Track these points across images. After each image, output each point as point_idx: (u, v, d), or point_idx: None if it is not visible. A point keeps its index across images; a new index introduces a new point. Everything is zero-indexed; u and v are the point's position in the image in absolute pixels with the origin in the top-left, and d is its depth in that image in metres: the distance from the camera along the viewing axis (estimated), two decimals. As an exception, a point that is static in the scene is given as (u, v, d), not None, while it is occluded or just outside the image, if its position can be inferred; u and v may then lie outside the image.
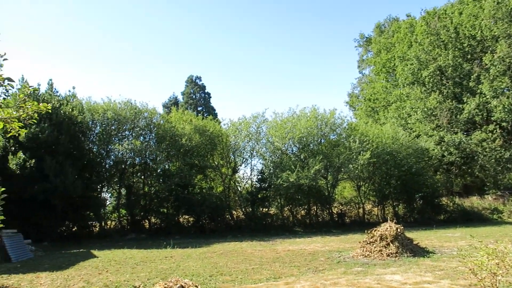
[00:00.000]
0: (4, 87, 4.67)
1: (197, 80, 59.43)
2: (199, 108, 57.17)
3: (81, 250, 17.14)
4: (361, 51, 57.80)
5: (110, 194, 27.17)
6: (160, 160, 25.43)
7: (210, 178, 27.69)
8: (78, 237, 22.12)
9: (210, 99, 59.89)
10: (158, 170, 26.42)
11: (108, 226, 24.97)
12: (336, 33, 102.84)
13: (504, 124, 29.42)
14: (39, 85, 21.98)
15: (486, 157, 28.93)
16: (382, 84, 42.53)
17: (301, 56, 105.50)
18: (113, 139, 24.23)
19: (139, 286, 8.91)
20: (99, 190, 24.70)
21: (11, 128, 4.87)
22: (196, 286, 5.63)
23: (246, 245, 17.30)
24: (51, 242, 19.47)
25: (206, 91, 59.54)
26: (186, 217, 26.10)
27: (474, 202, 32.45)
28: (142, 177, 26.46)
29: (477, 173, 31.53)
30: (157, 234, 23.54)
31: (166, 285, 5.33)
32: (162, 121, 26.02)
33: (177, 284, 5.37)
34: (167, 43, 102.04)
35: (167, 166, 26.79)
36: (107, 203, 26.42)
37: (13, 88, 4.81)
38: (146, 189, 25.83)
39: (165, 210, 25.45)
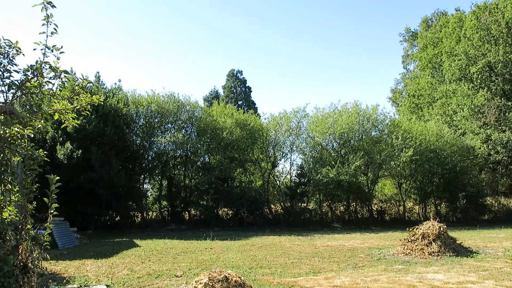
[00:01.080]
0: (60, 80, 4.90)
1: (238, 74, 60.00)
2: (240, 102, 57.76)
3: (124, 239, 17.81)
4: (406, 46, 56.35)
5: (151, 186, 28.01)
6: (201, 153, 25.99)
7: (250, 172, 28.04)
8: (121, 227, 22.81)
9: (251, 93, 60.33)
10: (199, 163, 27.04)
11: (149, 217, 25.76)
12: (381, 28, 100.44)
13: (558, 123, 28.02)
14: (87, 77, 22.91)
15: (536, 157, 27.72)
16: (427, 80, 41.35)
17: (345, 50, 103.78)
18: (156, 131, 24.94)
19: (181, 276, 9.23)
20: (141, 181, 25.52)
21: (65, 119, 5.10)
22: (239, 277, 5.86)
23: (285, 239, 17.49)
24: (95, 230, 20.34)
25: (247, 85, 60.02)
26: (225, 209, 26.56)
27: (521, 203, 31.23)
28: (183, 169, 27.16)
29: (525, 173, 30.26)
30: (197, 225, 24.08)
31: (210, 275, 5.58)
32: (203, 115, 26.53)
33: (221, 274, 5.62)
34: (209, 36, 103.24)
35: (207, 159, 27.37)
36: (149, 194, 27.24)
37: (69, 80, 5.13)
38: (187, 181, 26.50)
39: (205, 203, 25.98)
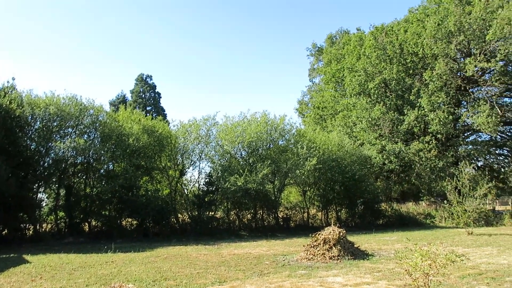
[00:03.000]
0: None
1: (147, 79, 58.24)
2: (148, 108, 56.08)
3: (11, 255, 16.02)
4: (313, 60, 59.32)
5: (47, 195, 25.63)
6: (104, 160, 24.52)
7: (157, 180, 27.10)
8: (9, 241, 20.47)
9: (160, 99, 58.91)
10: (102, 171, 25.48)
11: (43, 229, 23.43)
12: (292, 42, 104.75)
13: (439, 135, 31.40)
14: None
15: (422, 166, 30.77)
16: (330, 93, 43.81)
17: (255, 62, 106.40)
18: (54, 136, 22.96)
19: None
20: (35, 190, 23.30)
21: None
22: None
23: (191, 249, 17.14)
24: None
25: (156, 90, 58.48)
26: (130, 220, 25.21)
27: (410, 207, 34.38)
28: (84, 177, 25.34)
29: (413, 180, 33.41)
30: (98, 238, 22.50)
31: None
32: (108, 119, 25.14)
33: None
34: (118, 41, 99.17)
35: (111, 167, 25.90)
36: (44, 205, 24.93)
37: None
38: (88, 190, 24.76)
39: (107, 213, 24.52)
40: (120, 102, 51.74)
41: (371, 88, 33.30)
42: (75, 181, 25.10)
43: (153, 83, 58.42)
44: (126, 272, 11.25)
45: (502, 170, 36.19)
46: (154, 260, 13.62)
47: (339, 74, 41.07)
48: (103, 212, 24.46)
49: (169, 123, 28.61)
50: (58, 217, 23.91)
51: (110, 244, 17.50)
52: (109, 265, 12.57)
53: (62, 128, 23.45)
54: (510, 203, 40.17)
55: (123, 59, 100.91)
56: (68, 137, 23.15)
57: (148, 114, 28.75)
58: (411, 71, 33.87)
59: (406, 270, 7.48)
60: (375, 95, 33.57)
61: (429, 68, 31.42)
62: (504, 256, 12.56)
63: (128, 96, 58.06)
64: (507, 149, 34.80)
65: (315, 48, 58.06)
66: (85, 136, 24.22)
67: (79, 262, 13.40)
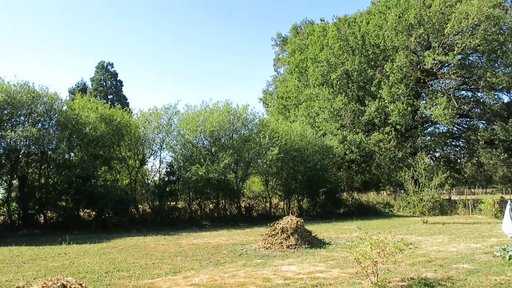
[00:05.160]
0: None
1: (108, 67, 56.53)
2: (110, 96, 54.55)
3: (-42, 248, 15.33)
4: (278, 50, 59.27)
5: (-1, 186, 24.55)
6: (61, 149, 23.63)
7: (116, 170, 26.39)
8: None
9: (122, 87, 57.40)
10: (58, 161, 24.55)
11: (-5, 222, 22.56)
12: (258, 32, 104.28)
13: (398, 126, 32.17)
14: None
15: (382, 156, 31.48)
16: (294, 83, 43.98)
17: (218, 52, 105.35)
18: (5, 124, 21.88)
19: (23, 286, 8.20)
20: (-15, 180, 22.30)
21: None
22: (80, 284, 5.26)
23: (150, 240, 16.88)
24: None
25: (118, 78, 56.91)
26: (88, 211, 24.54)
27: (371, 197, 35.20)
28: (39, 167, 24.36)
29: (374, 170, 34.12)
30: (54, 229, 21.69)
31: (45, 284, 4.90)
32: (65, 108, 24.19)
33: (58, 282, 4.96)
34: (79, 30, 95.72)
35: (67, 156, 25.01)
36: (-5, 196, 23.90)
37: None
38: (43, 180, 23.85)
39: (64, 204, 23.73)
40: (80, 90, 49.94)
41: (333, 79, 33.62)
42: (29, 171, 24.08)
43: (115, 71, 56.79)
44: (78, 264, 10.93)
45: (458, 161, 37.60)
46: (110, 251, 13.32)
47: (302, 65, 41.24)
48: (59, 203, 23.66)
49: (131, 112, 27.92)
50: (11, 208, 22.94)
51: (66, 236, 16.94)
52: (62, 257, 12.19)
53: (14, 116, 22.36)
54: (465, 193, 41.85)
55: (84, 48, 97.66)
56: (20, 125, 22.11)
57: (109, 103, 27.79)
58: (372, 63, 34.43)
59: (355, 259, 7.58)
60: (338, 86, 33.93)
61: (390, 60, 32.03)
62: (454, 244, 13.02)
63: (89, 84, 56.28)
64: (463, 140, 36.14)
65: (280, 38, 58.02)
66: (39, 125, 23.20)
67: (30, 254, 12.94)
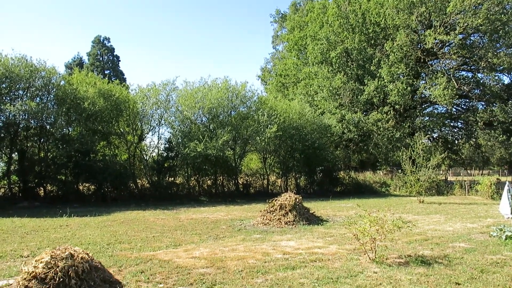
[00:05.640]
0: None
1: (105, 41, 55.94)
2: (107, 72, 54.14)
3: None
4: (276, 27, 58.60)
5: (-1, 159, 24.64)
6: (59, 124, 23.58)
7: (115, 145, 26.44)
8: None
9: (119, 62, 56.94)
10: (57, 135, 24.54)
11: (-4, 194, 22.74)
12: (257, 8, 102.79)
13: (397, 106, 32.17)
14: None
15: (380, 136, 31.54)
16: (293, 61, 43.67)
17: (217, 29, 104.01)
18: (4, 98, 21.78)
19: (28, 256, 8.34)
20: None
21: None
22: (87, 254, 5.36)
23: (149, 214, 17.04)
24: None
25: (115, 53, 56.40)
26: (87, 185, 24.71)
27: (367, 176, 35.45)
28: (38, 141, 24.38)
29: (371, 150, 34.26)
30: (54, 202, 21.97)
31: (53, 253, 4.97)
32: (62, 82, 24.02)
33: (65, 251, 5.04)
34: (75, 2, 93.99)
35: (66, 131, 24.99)
36: (-5, 169, 24.01)
37: None
38: (42, 154, 23.91)
39: (63, 177, 23.85)
40: (76, 65, 49.52)
41: (333, 57, 33.37)
42: (28, 145, 24.11)
43: (111, 45, 56.26)
44: (80, 235, 11.07)
45: (456, 142, 37.77)
46: (110, 224, 13.47)
47: (301, 42, 40.86)
48: (58, 177, 23.78)
49: (128, 87, 27.77)
50: (12, 181, 23.09)
51: (66, 209, 17.10)
52: (63, 229, 12.35)
53: (12, 90, 22.24)
54: (462, 174, 42.23)
55: (80, 22, 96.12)
56: (19, 99, 22.02)
57: (106, 78, 27.56)
58: (372, 41, 34.13)
59: (354, 235, 7.70)
60: (337, 65, 33.70)
61: (390, 39, 31.74)
62: (450, 224, 13.20)
63: (85, 59, 55.73)
64: (461, 121, 36.20)
65: (278, 14, 57.30)
66: (37, 99, 23.13)
67: (32, 226, 13.09)
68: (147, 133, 27.17)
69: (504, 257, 8.03)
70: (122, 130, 25.86)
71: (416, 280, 6.37)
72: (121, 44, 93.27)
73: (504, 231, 9.95)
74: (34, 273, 4.68)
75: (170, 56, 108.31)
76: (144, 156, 27.51)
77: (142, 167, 27.03)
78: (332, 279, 6.46)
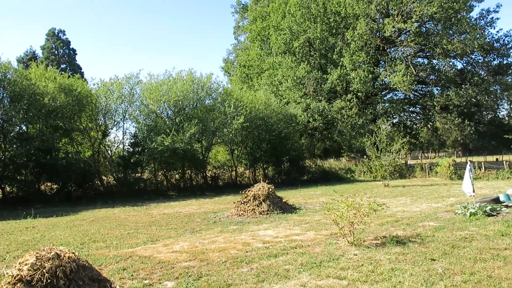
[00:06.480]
0: None
1: (60, 34, 53.83)
2: (63, 66, 52.13)
3: None
4: (238, 18, 58.20)
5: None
6: (16, 121, 22.60)
7: (77, 142, 25.62)
8: None
9: (76, 56, 55.02)
10: (13, 133, 23.49)
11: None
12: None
13: (359, 94, 32.94)
14: None
15: (343, 123, 32.25)
16: (256, 52, 43.65)
17: (179, 21, 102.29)
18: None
19: (8, 261, 7.98)
20: None
21: None
22: (73, 253, 5.22)
23: (119, 211, 16.72)
24: None
25: (71, 47, 54.39)
26: (49, 184, 23.87)
27: (332, 163, 36.20)
28: (-6, 140, 23.24)
29: (335, 137, 34.99)
30: (14, 204, 20.96)
31: (38, 254, 4.80)
32: (18, 78, 22.94)
33: (51, 251, 4.87)
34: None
35: (25, 128, 23.98)
36: None
37: None
38: (0, 154, 22.88)
39: (23, 177, 22.95)
40: (29, 59, 47.41)
41: (296, 47, 33.68)
42: (-17, 145, 22.96)
43: (67, 38, 54.24)
44: (50, 237, 10.74)
45: (414, 126, 39.18)
46: (80, 224, 13.11)
47: (264, 33, 40.91)
48: (18, 177, 22.81)
49: (87, 82, 26.95)
50: (-32, 184, 21.97)
51: (28, 210, 16.43)
52: (30, 231, 11.90)
53: (-38, 87, 21.07)
54: (420, 157, 43.82)
55: (32, 14, 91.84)
56: (-30, 96, 20.90)
57: (63, 72, 26.56)
58: (334, 31, 34.69)
59: (333, 220, 7.91)
60: (300, 54, 34.07)
61: (351, 28, 32.38)
62: (416, 205, 13.77)
63: (39, 52, 53.48)
64: (419, 106, 37.56)
65: (239, 5, 56.93)
66: (-9, 95, 22.01)
67: (-5, 229, 12.53)
68: (111, 129, 26.48)
69: (471, 232, 8.49)
70: (85, 126, 25.08)
71: (394, 259, 6.64)
72: (79, 38, 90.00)
73: (468, 209, 10.50)
74: (19, 276, 4.52)
75: (132, 51, 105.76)
76: (109, 152, 26.84)
77: (107, 163, 26.36)
78: (315, 263, 6.62)
